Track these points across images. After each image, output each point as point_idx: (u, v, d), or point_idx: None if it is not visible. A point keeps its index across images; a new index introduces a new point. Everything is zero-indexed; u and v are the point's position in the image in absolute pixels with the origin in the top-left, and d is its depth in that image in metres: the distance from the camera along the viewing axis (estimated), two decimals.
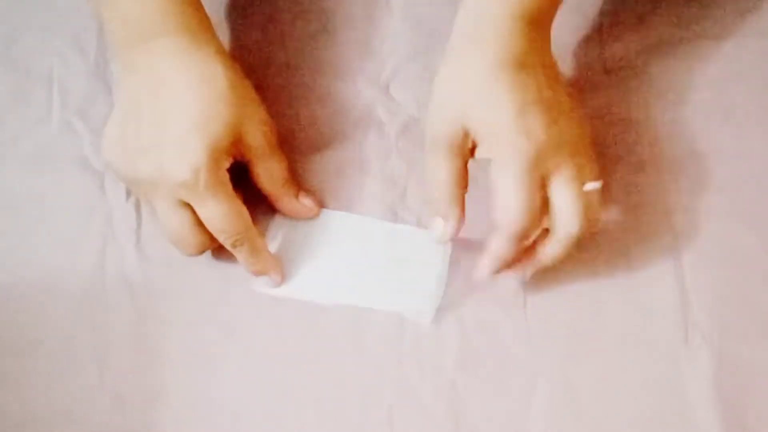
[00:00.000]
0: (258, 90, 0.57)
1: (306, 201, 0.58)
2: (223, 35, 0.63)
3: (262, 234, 0.57)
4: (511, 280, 0.56)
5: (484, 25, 0.53)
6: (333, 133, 0.61)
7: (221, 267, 0.57)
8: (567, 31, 0.63)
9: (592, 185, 0.52)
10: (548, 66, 0.54)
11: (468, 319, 0.56)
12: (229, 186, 0.54)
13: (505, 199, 0.51)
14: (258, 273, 0.56)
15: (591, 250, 0.57)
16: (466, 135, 0.52)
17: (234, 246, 0.54)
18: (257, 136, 0.55)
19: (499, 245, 0.52)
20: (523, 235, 0.51)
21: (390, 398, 0.54)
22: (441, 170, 0.53)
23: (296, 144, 0.60)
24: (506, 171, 0.50)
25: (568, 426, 0.53)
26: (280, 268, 0.56)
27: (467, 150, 0.53)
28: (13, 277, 0.57)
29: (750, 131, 0.60)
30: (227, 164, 0.54)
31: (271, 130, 0.56)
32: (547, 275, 0.56)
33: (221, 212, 0.53)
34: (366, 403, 0.54)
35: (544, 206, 0.51)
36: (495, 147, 0.51)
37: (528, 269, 0.54)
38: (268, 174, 0.57)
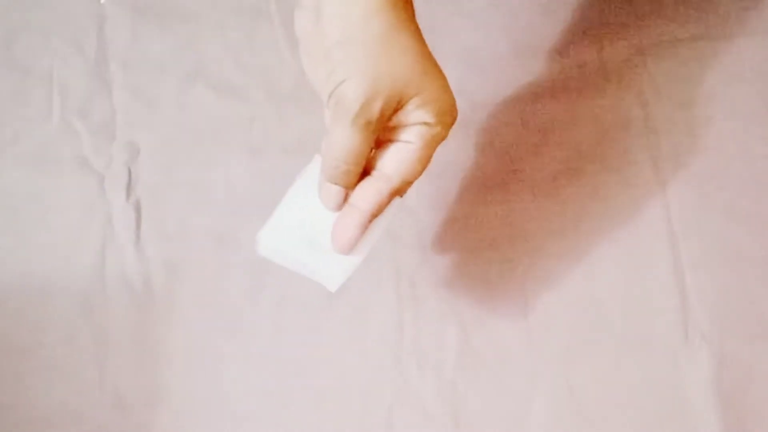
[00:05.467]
0: None
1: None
2: None
3: None
4: (510, 280, 0.56)
5: None
6: None
7: (222, 267, 0.57)
8: (566, 31, 0.63)
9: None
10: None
11: (468, 319, 0.56)
12: None
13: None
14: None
15: (591, 250, 0.57)
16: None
17: None
18: None
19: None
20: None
21: (390, 398, 0.54)
22: (365, 144, 0.46)
23: None
24: None
25: (568, 426, 0.53)
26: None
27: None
28: (13, 277, 0.57)
29: (750, 131, 0.60)
30: None
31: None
32: (548, 275, 0.56)
33: None
34: (366, 403, 0.54)
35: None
36: None
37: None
38: None
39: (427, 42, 0.50)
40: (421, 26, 0.53)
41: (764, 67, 0.62)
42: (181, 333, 0.56)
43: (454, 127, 0.48)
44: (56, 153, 0.61)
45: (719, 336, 0.55)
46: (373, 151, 0.47)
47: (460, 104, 0.61)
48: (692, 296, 0.56)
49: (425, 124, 0.46)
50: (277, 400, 0.54)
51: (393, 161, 0.47)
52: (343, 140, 0.45)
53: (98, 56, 0.64)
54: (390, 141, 0.47)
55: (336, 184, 0.47)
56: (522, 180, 0.59)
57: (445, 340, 0.55)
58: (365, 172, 0.47)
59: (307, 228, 0.48)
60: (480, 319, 0.56)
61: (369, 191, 0.47)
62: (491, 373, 0.54)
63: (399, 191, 0.47)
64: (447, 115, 0.47)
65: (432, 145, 0.47)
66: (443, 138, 0.47)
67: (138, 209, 0.59)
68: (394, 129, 0.47)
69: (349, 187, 0.47)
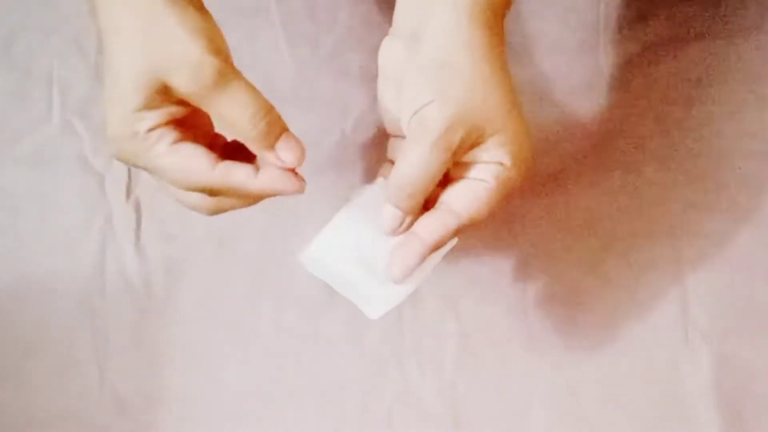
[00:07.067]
0: None
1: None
2: None
3: None
4: (510, 280, 0.56)
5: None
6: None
7: (222, 267, 0.57)
8: (566, 31, 0.63)
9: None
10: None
11: (468, 319, 0.56)
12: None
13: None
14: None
15: (590, 250, 0.57)
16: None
17: None
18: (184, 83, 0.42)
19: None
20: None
21: (390, 398, 0.54)
22: (438, 170, 0.45)
23: None
24: None
25: (568, 426, 0.53)
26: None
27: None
28: (13, 277, 0.57)
29: (750, 131, 0.60)
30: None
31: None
32: (547, 275, 0.56)
33: None
34: (366, 403, 0.54)
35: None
36: None
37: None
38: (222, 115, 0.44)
39: None
40: None
41: (764, 66, 0.62)
42: (181, 333, 0.56)
43: None
44: (56, 153, 0.61)
45: (719, 336, 0.55)
46: (436, 189, 0.45)
47: None
48: (692, 296, 0.56)
49: (501, 164, 0.45)
50: (277, 400, 0.54)
51: (464, 198, 0.45)
52: (419, 162, 0.44)
53: (98, 56, 0.64)
54: (461, 178, 0.45)
55: (398, 207, 0.45)
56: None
57: (445, 340, 0.55)
58: (426, 207, 0.46)
59: (359, 249, 0.47)
60: (480, 319, 0.56)
61: (435, 223, 0.45)
62: (491, 373, 0.54)
63: (463, 229, 0.45)
64: (523, 161, 0.45)
65: (505, 187, 0.45)
66: (516, 184, 0.45)
67: (138, 209, 0.59)
68: (467, 166, 0.45)
69: (411, 213, 0.46)
